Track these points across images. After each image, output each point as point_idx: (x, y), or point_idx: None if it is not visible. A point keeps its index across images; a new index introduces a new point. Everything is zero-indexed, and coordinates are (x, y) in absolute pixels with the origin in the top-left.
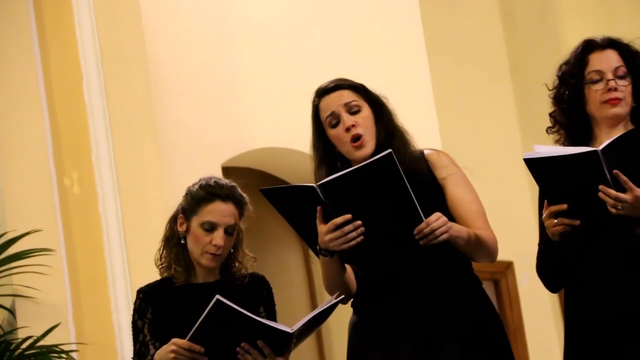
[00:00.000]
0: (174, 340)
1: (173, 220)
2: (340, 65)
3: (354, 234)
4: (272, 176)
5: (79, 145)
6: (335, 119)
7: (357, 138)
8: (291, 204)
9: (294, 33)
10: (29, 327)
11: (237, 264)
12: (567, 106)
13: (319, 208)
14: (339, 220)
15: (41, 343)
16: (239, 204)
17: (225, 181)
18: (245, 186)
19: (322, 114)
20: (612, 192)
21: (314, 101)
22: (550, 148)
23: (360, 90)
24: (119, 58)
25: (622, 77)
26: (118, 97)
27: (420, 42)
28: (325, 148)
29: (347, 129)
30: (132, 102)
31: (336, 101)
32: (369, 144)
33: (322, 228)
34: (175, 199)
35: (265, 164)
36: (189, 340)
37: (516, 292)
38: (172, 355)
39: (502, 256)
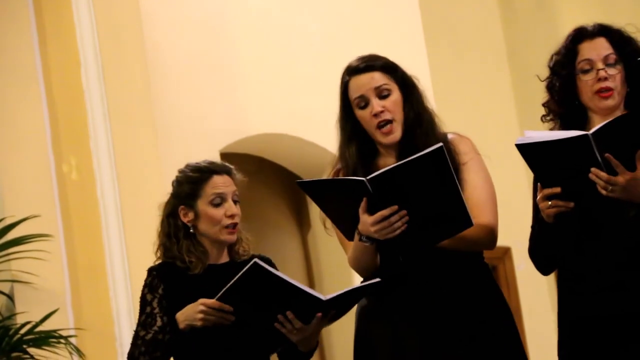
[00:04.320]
0: (202, 300)
1: (171, 215)
2: (338, 53)
3: (399, 224)
4: (269, 162)
5: (77, 131)
6: (364, 102)
7: (384, 124)
8: (331, 194)
9: (291, 20)
10: (27, 312)
11: (240, 243)
12: (560, 96)
13: (364, 199)
14: (386, 212)
15: (40, 328)
16: (229, 172)
17: (206, 160)
18: (243, 172)
19: (351, 93)
20: (604, 174)
21: (343, 77)
22: (542, 133)
23: (391, 70)
24: (117, 45)
25: (612, 65)
26: (116, 84)
27: (419, 30)
28: (353, 126)
29: (375, 115)
30: (130, 88)
31: (366, 84)
32: (397, 130)
33: (366, 218)
34: (173, 186)
35: (263, 150)
36: (218, 300)
37: (514, 277)
38: (201, 315)
39: (500, 242)
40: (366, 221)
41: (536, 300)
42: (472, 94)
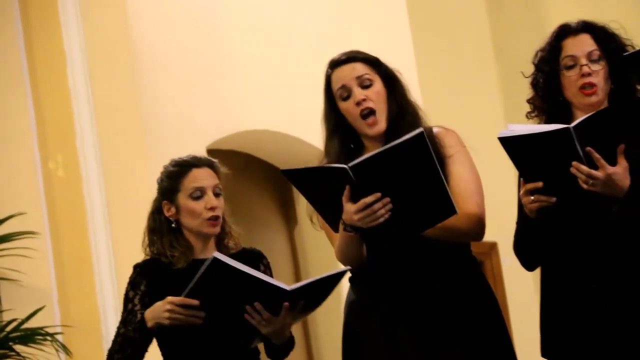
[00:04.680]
0: (169, 298)
1: (156, 211)
2: (325, 50)
3: (382, 211)
4: (257, 158)
5: (63, 129)
6: (347, 92)
7: (367, 113)
8: (315, 183)
9: (278, 17)
10: (13, 309)
11: (228, 237)
12: (544, 93)
13: (347, 187)
14: (369, 199)
15: (26, 326)
16: (211, 165)
17: (190, 155)
18: (230, 168)
19: (333, 85)
20: (584, 168)
21: (326, 72)
22: (525, 126)
23: (373, 63)
24: (103, 42)
25: (595, 61)
26: (102, 81)
27: (405, 25)
28: (336, 120)
29: (358, 103)
30: (116, 85)
31: (348, 74)
32: (382, 121)
33: (349, 207)
34: (157, 182)
35: (250, 146)
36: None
37: (500, 272)
38: (167, 313)
39: (486, 237)
40: (349, 209)
41: (522, 294)
42: (459, 89)
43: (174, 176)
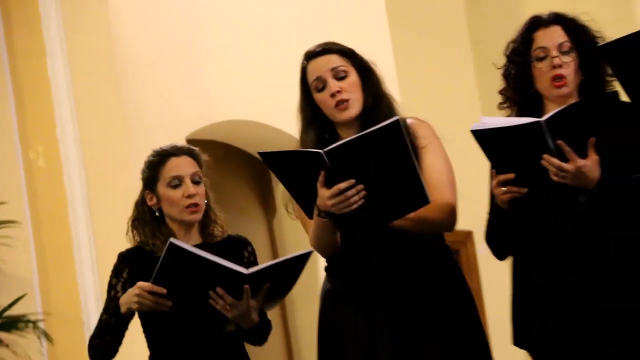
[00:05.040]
0: (139, 283)
1: (140, 202)
2: (303, 41)
3: (356, 197)
4: (236, 148)
5: (43, 119)
6: (322, 84)
7: (341, 103)
8: (290, 167)
9: (257, 8)
10: None
11: (213, 224)
12: (515, 84)
13: (322, 172)
14: (343, 185)
15: (8, 313)
16: (191, 154)
17: (171, 144)
18: (210, 157)
19: (309, 77)
20: (555, 161)
21: (302, 64)
22: (497, 119)
23: (348, 55)
24: (83, 33)
25: (566, 53)
26: (82, 72)
27: (383, 18)
28: (312, 111)
29: (332, 95)
30: (96, 76)
31: (323, 66)
32: (354, 107)
33: (324, 192)
34: (139, 172)
35: (229, 136)
36: (152, 283)
37: (475, 261)
38: (136, 298)
39: (462, 226)
40: (324, 195)
41: (497, 282)
42: (436, 81)
43: (154, 166)
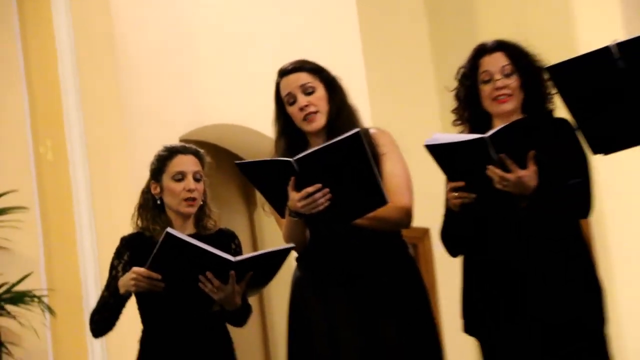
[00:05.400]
0: (134, 268)
1: (146, 190)
2: (284, 51)
3: (322, 200)
4: (224, 149)
5: (53, 117)
6: (292, 98)
7: (309, 116)
8: (264, 174)
9: (243, 24)
10: (4, 274)
11: (207, 218)
12: (465, 104)
13: (292, 178)
14: (310, 189)
15: (16, 289)
16: (197, 154)
17: (180, 143)
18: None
19: (282, 92)
20: (498, 171)
21: (276, 80)
22: (447, 135)
23: (316, 71)
24: (89, 40)
25: (508, 75)
26: (88, 75)
27: (356, 33)
28: (284, 122)
29: (301, 109)
30: (101, 79)
31: (293, 83)
32: (320, 119)
33: (294, 195)
34: (137, 167)
35: (218, 138)
36: (147, 268)
37: (431, 256)
38: (133, 281)
39: (420, 223)
40: (294, 198)
41: (451, 276)
42: (401, 94)
43: (162, 159)
